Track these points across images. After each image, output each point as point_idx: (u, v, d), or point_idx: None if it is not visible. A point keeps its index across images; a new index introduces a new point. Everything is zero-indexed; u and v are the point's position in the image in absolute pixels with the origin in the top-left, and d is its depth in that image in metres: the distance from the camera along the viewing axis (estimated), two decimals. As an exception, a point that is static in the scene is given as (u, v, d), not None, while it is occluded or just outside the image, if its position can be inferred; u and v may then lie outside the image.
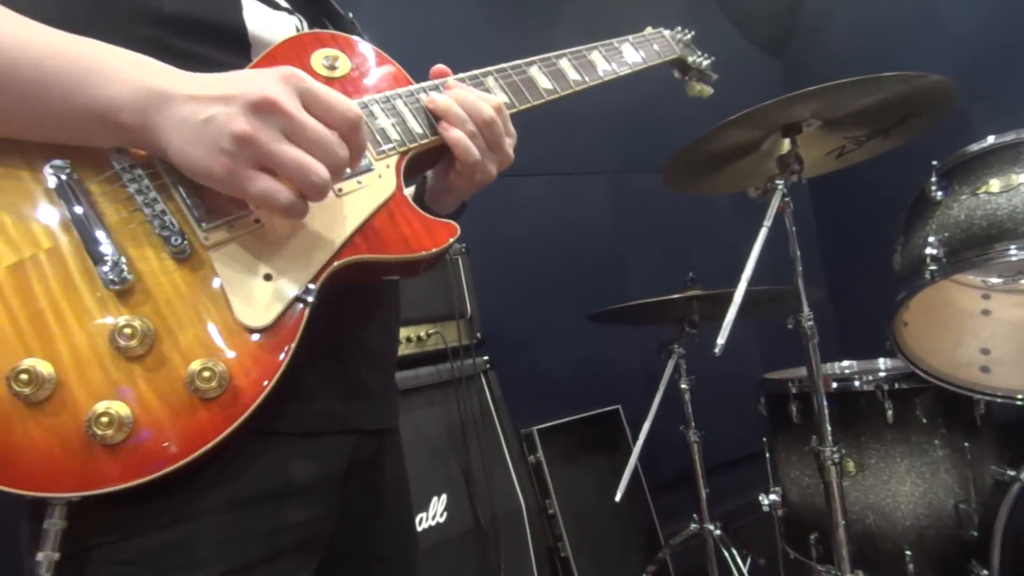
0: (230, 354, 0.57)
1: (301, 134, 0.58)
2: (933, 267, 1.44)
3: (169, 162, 0.58)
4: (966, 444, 1.61)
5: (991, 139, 1.46)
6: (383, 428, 0.82)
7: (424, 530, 1.73)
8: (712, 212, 3.14)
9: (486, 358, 2.04)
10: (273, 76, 0.58)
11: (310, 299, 0.61)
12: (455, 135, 0.74)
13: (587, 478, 2.31)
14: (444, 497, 1.80)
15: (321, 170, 0.58)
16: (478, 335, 2.02)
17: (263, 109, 0.56)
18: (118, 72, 0.56)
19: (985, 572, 1.48)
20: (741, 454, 2.56)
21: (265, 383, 0.57)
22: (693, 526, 1.98)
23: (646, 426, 1.83)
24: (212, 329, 0.58)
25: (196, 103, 0.56)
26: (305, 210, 0.61)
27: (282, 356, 0.59)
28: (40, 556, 0.52)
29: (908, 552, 1.59)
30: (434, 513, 1.77)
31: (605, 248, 2.95)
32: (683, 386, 2.01)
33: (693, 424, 2.01)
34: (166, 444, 0.54)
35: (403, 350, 1.86)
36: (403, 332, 1.87)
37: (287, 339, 0.59)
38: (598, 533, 2.24)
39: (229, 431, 0.55)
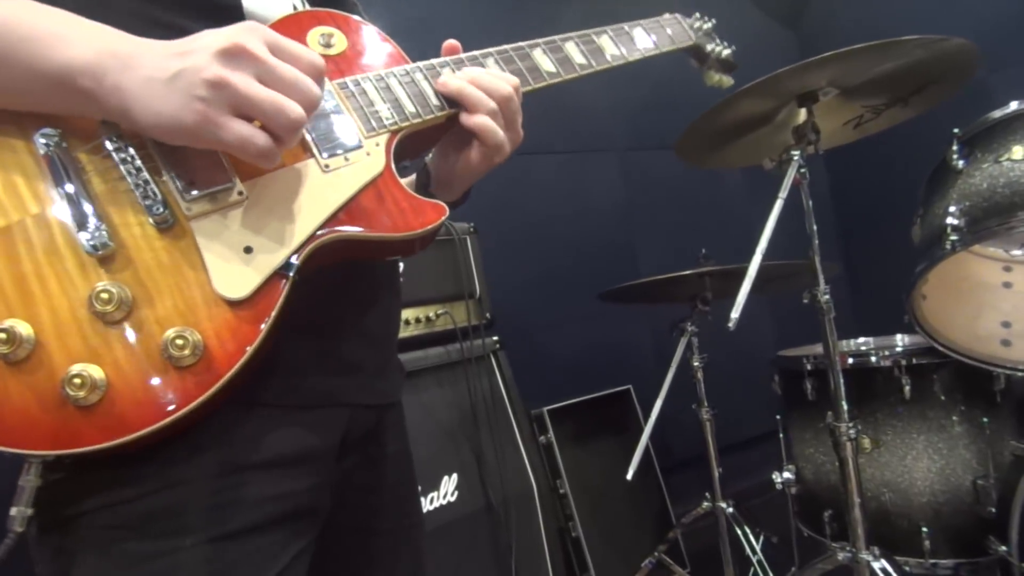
0: (206, 324, 0.57)
1: (273, 75, 0.58)
2: (954, 237, 1.40)
3: (134, 126, 0.57)
4: (985, 420, 1.58)
5: (1014, 105, 1.42)
6: (379, 404, 0.81)
7: (435, 509, 1.73)
8: (725, 189, 3.10)
9: (496, 338, 2.03)
10: (237, 27, 0.58)
11: (291, 273, 0.61)
12: (479, 120, 0.74)
13: (598, 458, 2.30)
14: (455, 476, 1.80)
15: (297, 108, 0.58)
16: (487, 315, 2.01)
17: (234, 54, 0.56)
18: (79, 38, 0.56)
19: (1003, 548, 1.46)
20: (754, 433, 2.54)
21: (241, 354, 0.58)
22: (705, 504, 1.97)
23: (658, 404, 1.81)
24: (190, 298, 0.58)
25: (161, 60, 0.56)
26: (278, 156, 0.60)
27: (260, 328, 0.59)
28: (14, 511, 0.53)
29: (925, 529, 1.58)
30: (444, 492, 1.77)
31: (616, 226, 2.92)
32: (695, 364, 1.98)
33: (706, 403, 1.98)
34: (139, 409, 0.55)
35: (412, 330, 1.85)
36: (412, 312, 1.86)
37: (265, 312, 0.59)
38: (609, 513, 2.24)
39: (202, 399, 0.56)
